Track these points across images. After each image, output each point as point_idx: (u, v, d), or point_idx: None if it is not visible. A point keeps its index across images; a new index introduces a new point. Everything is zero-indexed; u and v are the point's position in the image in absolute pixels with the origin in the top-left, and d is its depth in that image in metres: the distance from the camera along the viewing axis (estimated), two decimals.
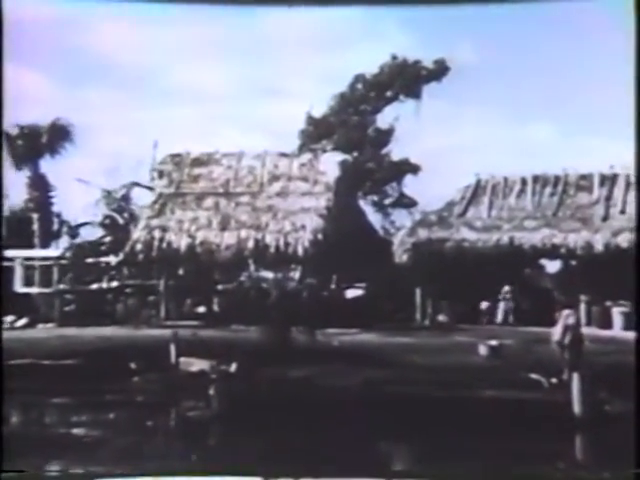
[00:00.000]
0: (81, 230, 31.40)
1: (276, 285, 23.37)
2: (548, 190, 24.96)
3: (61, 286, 25.35)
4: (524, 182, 25.29)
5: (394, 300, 23.54)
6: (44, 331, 22.52)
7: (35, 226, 30.32)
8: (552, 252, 23.84)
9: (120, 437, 12.98)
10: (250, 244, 23.67)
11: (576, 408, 12.79)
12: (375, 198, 31.32)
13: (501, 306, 23.68)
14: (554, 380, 14.99)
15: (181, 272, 25.48)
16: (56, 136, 31.10)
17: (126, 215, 30.08)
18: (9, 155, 30.51)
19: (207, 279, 25.23)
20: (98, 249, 27.48)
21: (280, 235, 23.69)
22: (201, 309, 24.57)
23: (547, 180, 25.19)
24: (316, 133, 30.70)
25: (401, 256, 24.45)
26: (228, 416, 13.94)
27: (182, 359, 17.24)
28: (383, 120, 31.12)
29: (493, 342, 18.12)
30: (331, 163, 25.62)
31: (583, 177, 24.93)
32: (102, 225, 30.68)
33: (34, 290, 25.48)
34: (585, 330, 16.75)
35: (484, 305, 23.61)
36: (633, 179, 22.92)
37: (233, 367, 16.77)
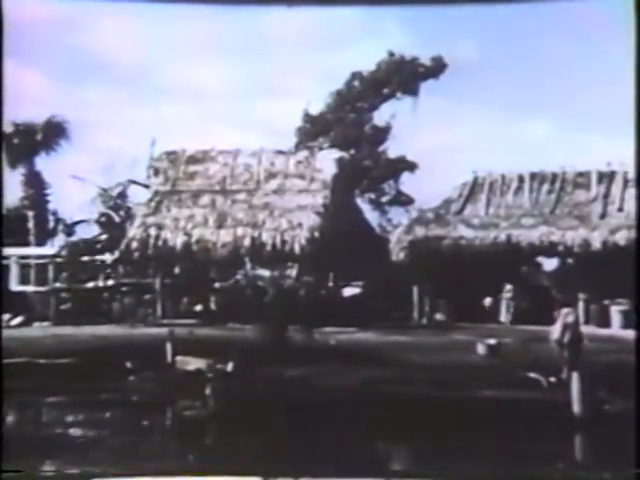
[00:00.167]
0: (77, 228, 31.29)
1: (273, 283, 23.27)
2: (545, 187, 24.91)
3: (57, 284, 25.24)
4: (521, 179, 25.23)
5: (391, 298, 23.48)
6: (39, 330, 22.42)
7: (30, 224, 30.17)
8: (550, 250, 23.79)
9: (116, 436, 12.89)
10: (246, 242, 23.60)
11: (575, 407, 12.72)
12: (372, 196, 31.26)
13: (504, 305, 23.62)
14: (553, 379, 14.92)
15: (177, 270, 25.38)
16: (51, 133, 30.97)
17: (122, 213, 29.96)
18: (4, 153, 30.35)
19: (203, 277, 25.14)
20: (94, 247, 27.37)
21: (277, 233, 23.61)
22: (197, 307, 24.48)
23: (544, 177, 25.14)
24: (313, 130, 30.63)
25: (398, 254, 24.38)
26: (224, 415, 13.84)
27: (178, 358, 17.16)
28: (380, 117, 31.10)
29: (491, 341, 18.06)
30: (328, 160, 25.55)
31: (581, 174, 24.88)
32: (98, 223, 30.56)
33: (29, 288, 25.36)
34: (583, 329, 16.65)
35: (487, 303, 23.55)
36: (631, 176, 22.89)
37: (230, 366, 16.68)
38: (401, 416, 13.00)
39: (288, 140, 29.53)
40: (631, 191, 22.79)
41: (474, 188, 25.50)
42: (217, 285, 25.07)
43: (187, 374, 16.56)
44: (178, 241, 23.90)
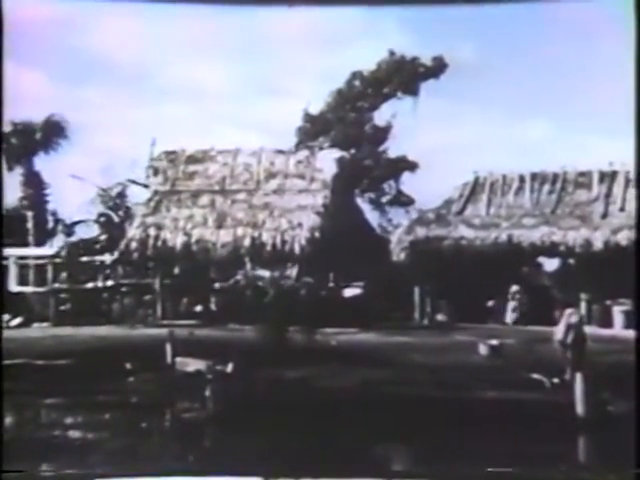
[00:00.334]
0: (76, 228, 31.20)
1: (273, 284, 23.17)
2: (547, 187, 24.83)
3: (56, 285, 25.14)
4: (522, 179, 25.16)
5: (392, 299, 23.38)
6: (39, 330, 22.34)
7: (29, 224, 30.07)
8: (551, 250, 23.71)
9: (115, 438, 12.77)
10: (246, 242, 23.51)
11: (579, 409, 12.61)
12: (372, 196, 31.19)
13: (510, 305, 23.52)
14: (556, 380, 14.82)
15: (177, 271, 25.28)
16: (50, 133, 30.87)
17: (121, 213, 29.87)
18: (3, 153, 30.25)
19: (203, 278, 25.05)
20: (93, 247, 27.29)
21: (277, 233, 23.52)
22: (197, 308, 24.38)
23: (545, 177, 25.06)
24: (313, 130, 30.55)
25: (399, 254, 24.31)
26: (224, 417, 13.74)
27: (178, 359, 17.05)
28: (380, 117, 31.03)
29: (493, 341, 17.95)
30: (328, 160, 25.46)
31: (582, 174, 24.80)
32: (97, 223, 30.48)
33: (29, 289, 25.27)
34: (586, 329, 16.52)
35: (490, 303, 23.47)
36: (632, 176, 22.79)
37: (230, 367, 16.58)
38: (402, 417, 12.91)
39: (288, 140, 29.49)
40: (633, 191, 22.69)
41: (475, 188, 25.43)
42: (217, 285, 24.97)
43: (187, 375, 16.46)
44: (178, 241, 23.81)
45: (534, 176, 25.10)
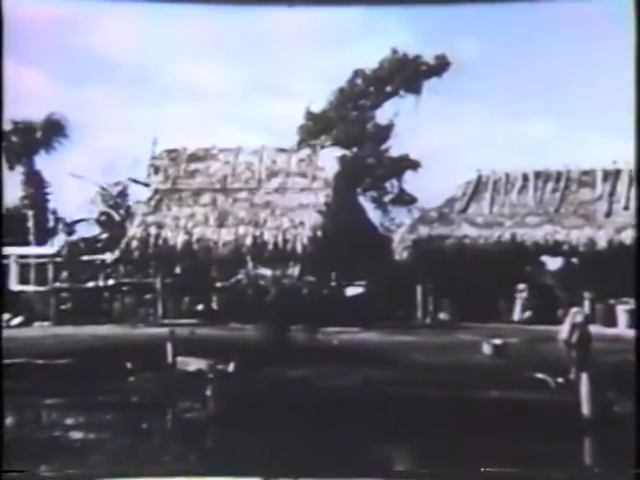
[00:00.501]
0: (77, 227, 31.14)
1: (275, 283, 23.06)
2: (550, 186, 24.73)
3: (57, 284, 25.06)
4: (526, 178, 25.06)
5: (394, 298, 23.27)
6: (40, 330, 22.25)
7: (30, 223, 29.98)
8: (555, 249, 23.61)
9: (115, 438, 12.68)
10: (248, 241, 23.40)
11: (585, 409, 12.47)
12: (374, 194, 31.09)
13: (518, 304, 23.39)
14: (560, 380, 14.69)
15: (178, 270, 25.19)
16: (50, 131, 30.77)
17: (122, 212, 29.80)
18: (3, 151, 30.18)
19: (204, 277, 24.96)
20: (94, 246, 27.21)
21: (278, 232, 23.40)
22: (199, 307, 24.30)
23: (549, 176, 24.96)
24: (315, 129, 30.45)
25: (401, 253, 24.22)
26: (226, 417, 13.64)
27: (179, 358, 16.95)
28: (383, 116, 30.94)
29: (497, 341, 17.82)
30: (330, 158, 25.33)
31: (585, 173, 24.70)
32: (98, 222, 30.42)
33: (29, 288, 25.20)
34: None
35: (496, 302, 23.34)
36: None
37: (231, 366, 16.48)
38: (405, 417, 12.81)
39: (290, 139, 29.41)
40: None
41: (478, 187, 25.34)
42: (218, 284, 24.88)
43: (188, 375, 16.36)
44: (179, 240, 23.70)
45: (537, 174, 25.00)
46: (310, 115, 30.77)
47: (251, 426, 12.51)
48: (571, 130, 34.34)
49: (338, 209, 24.45)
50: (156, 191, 25.20)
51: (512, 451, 11.22)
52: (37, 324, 23.35)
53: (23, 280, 25.49)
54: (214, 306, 24.32)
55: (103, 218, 30.29)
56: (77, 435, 12.97)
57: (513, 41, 30.13)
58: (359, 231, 25.34)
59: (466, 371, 15.86)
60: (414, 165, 30.65)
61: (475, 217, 24.56)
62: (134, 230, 24.15)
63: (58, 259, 25.85)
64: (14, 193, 31.09)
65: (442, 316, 23.42)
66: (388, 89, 30.53)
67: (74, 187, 30.76)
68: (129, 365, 16.64)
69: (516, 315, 23.20)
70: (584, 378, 12.66)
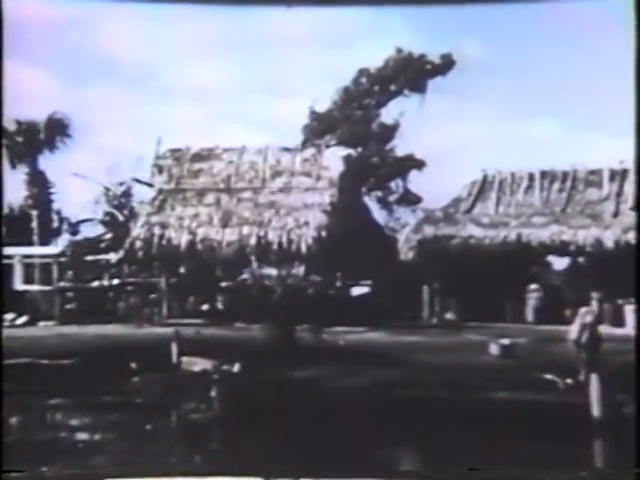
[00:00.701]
0: (81, 227, 31.10)
1: (280, 282, 22.96)
2: (556, 186, 24.61)
3: (61, 284, 25.01)
4: (532, 178, 24.94)
5: (400, 298, 23.16)
6: (44, 329, 22.19)
7: (34, 223, 29.93)
8: (561, 249, 23.48)
9: (119, 439, 12.59)
10: (252, 241, 23.27)
11: (595, 410, 12.33)
12: (379, 194, 30.99)
13: (529, 304, 23.24)
14: (569, 381, 14.56)
15: (183, 269, 25.10)
16: (54, 131, 30.71)
17: (126, 212, 29.74)
18: (7, 151, 30.14)
19: (209, 276, 24.87)
20: (98, 246, 27.17)
21: (283, 232, 23.28)
22: (204, 307, 24.22)
23: (555, 176, 24.83)
24: (319, 128, 30.35)
25: (407, 253, 24.11)
26: (231, 418, 13.53)
27: (184, 358, 16.86)
28: (387, 115, 30.83)
29: (505, 341, 17.68)
30: (335, 158, 25.18)
31: (592, 172, 24.58)
32: (102, 222, 30.37)
33: (34, 288, 25.16)
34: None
35: (504, 302, 23.22)
36: None
37: (236, 367, 16.38)
38: (412, 418, 12.70)
39: (294, 139, 29.31)
40: None
41: (484, 186, 25.22)
42: (223, 284, 24.80)
43: (193, 375, 16.26)
44: (183, 240, 23.60)
45: (544, 174, 24.88)
46: (314, 114, 30.67)
47: (256, 427, 12.40)
48: (577, 130, 34.29)
49: (343, 209, 24.32)
50: (160, 191, 25.09)
51: (520, 453, 11.11)
52: (42, 324, 23.30)
53: (28, 280, 25.45)
54: (219, 306, 24.23)
55: (107, 218, 30.24)
56: (81, 435, 12.89)
57: (518, 41, 30.07)
58: (364, 231, 25.21)
59: (473, 372, 15.74)
60: (419, 165, 30.53)
61: (481, 217, 24.45)
62: (138, 230, 24.06)
63: (62, 259, 25.80)
64: (18, 193, 31.09)
65: (448, 316, 23.30)
66: (393, 88, 30.41)
67: (78, 187, 30.73)
68: (134, 365, 16.55)
69: (528, 315, 23.03)
70: (594, 379, 12.52)
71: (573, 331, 15.07)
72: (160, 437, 13.11)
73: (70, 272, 25.48)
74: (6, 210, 30.76)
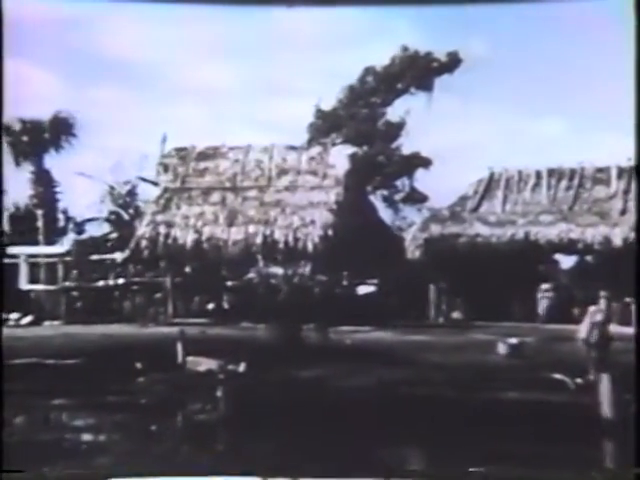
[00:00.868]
0: (87, 226, 31.08)
1: (286, 281, 22.86)
2: (564, 184, 24.47)
3: (67, 283, 24.97)
4: (539, 176, 24.81)
5: (407, 297, 23.05)
6: (49, 329, 22.15)
7: (39, 222, 29.90)
8: (569, 247, 23.34)
9: (124, 439, 12.50)
10: (258, 240, 23.17)
11: (605, 410, 12.18)
12: (385, 193, 30.89)
13: (542, 304, 23.09)
14: (579, 380, 14.41)
15: (188, 269, 25.02)
16: (59, 130, 30.67)
17: (131, 211, 29.70)
18: (12, 150, 30.14)
19: (215, 275, 24.79)
20: (104, 245, 27.12)
21: (289, 230, 23.18)
22: (209, 306, 24.14)
23: (563, 173, 24.70)
24: (325, 126, 30.26)
25: (413, 252, 24.01)
26: (236, 418, 13.43)
27: (189, 358, 16.76)
28: (394, 113, 30.72)
29: (513, 340, 17.54)
30: (341, 156, 25.05)
31: (600, 170, 24.43)
32: (108, 221, 30.35)
33: (39, 287, 25.13)
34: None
35: (513, 301, 23.08)
36: None
37: (242, 367, 16.28)
38: (419, 418, 12.58)
39: (300, 138, 29.23)
40: None
41: (490, 184, 25.11)
42: (229, 283, 24.71)
43: (198, 375, 16.17)
44: (188, 239, 23.51)
45: (551, 172, 24.75)
46: (320, 113, 30.58)
47: (262, 427, 12.31)
48: (584, 127, 34.09)
49: (349, 207, 24.22)
50: (165, 190, 25.01)
51: (528, 453, 10.98)
52: (47, 323, 23.27)
53: (33, 279, 25.42)
54: (225, 305, 24.16)
55: (112, 217, 30.22)
56: (86, 436, 12.81)
57: (525, 39, 29.94)
58: (370, 229, 25.10)
59: (481, 371, 15.62)
60: (425, 163, 30.42)
61: (488, 215, 24.33)
62: (143, 229, 23.99)
63: (68, 258, 25.75)
64: (23, 192, 31.08)
65: (455, 315, 23.19)
66: (399, 86, 30.30)
67: (83, 186, 30.71)
68: (139, 365, 16.45)
69: (541, 315, 22.86)
70: (604, 379, 12.38)
71: (583, 330, 14.94)
72: (165, 437, 13.01)
73: (75, 271, 25.43)
74: (11, 209, 30.81)
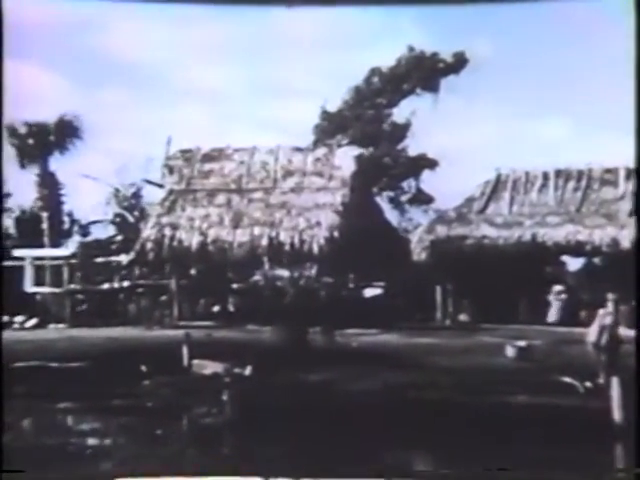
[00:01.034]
0: (92, 229, 31.05)
1: (292, 284, 22.75)
2: (571, 185, 24.33)
3: (72, 286, 24.90)
4: (546, 177, 24.68)
5: (413, 299, 22.93)
6: (54, 332, 22.09)
7: (44, 225, 29.88)
8: (576, 249, 23.18)
9: (129, 442, 12.41)
10: (264, 242, 23.05)
11: (616, 414, 12.04)
12: (391, 194, 30.78)
13: (554, 306, 22.94)
14: (589, 384, 14.25)
15: (193, 271, 24.93)
16: (64, 133, 30.63)
17: (136, 213, 29.64)
18: (18, 153, 30.13)
19: (220, 278, 24.70)
20: (109, 248, 27.05)
21: (295, 232, 23.05)
22: (215, 309, 24.05)
23: (570, 174, 24.56)
24: (331, 128, 30.17)
25: (420, 254, 23.89)
26: (242, 421, 13.33)
27: (195, 361, 16.66)
28: (400, 114, 30.62)
29: (521, 343, 17.39)
30: (347, 157, 24.91)
31: (608, 171, 24.28)
32: (113, 223, 30.30)
33: (45, 290, 25.09)
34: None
35: (520, 304, 22.95)
36: None
37: (248, 370, 16.17)
38: (426, 421, 12.47)
39: (306, 139, 29.14)
40: None
41: (497, 186, 24.98)
42: (235, 286, 24.62)
43: (204, 378, 16.07)
44: (193, 241, 23.40)
45: (558, 173, 24.61)
46: (325, 114, 30.49)
47: (268, 431, 12.21)
48: (592, 128, 33.91)
49: (355, 209, 24.08)
50: (170, 192, 24.91)
51: (538, 457, 10.86)
52: (52, 326, 23.20)
53: (38, 282, 25.38)
54: (230, 308, 24.07)
55: (117, 219, 30.16)
56: (91, 439, 12.72)
57: (531, 40, 29.84)
58: (376, 231, 24.95)
59: (489, 374, 15.48)
60: (431, 164, 30.31)
61: (494, 217, 24.21)
62: (148, 231, 23.89)
63: (73, 261, 25.70)
64: (29, 195, 31.06)
65: (462, 318, 23.06)
66: (405, 87, 30.20)
67: (88, 188, 30.68)
68: (144, 368, 16.36)
69: (554, 317, 22.68)
70: (615, 382, 12.22)
71: (592, 333, 14.79)
72: (171, 441, 12.92)
73: (80, 274, 25.38)
74: (17, 212, 30.82)
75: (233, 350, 16.98)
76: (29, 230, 29.40)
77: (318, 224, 23.12)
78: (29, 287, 25.23)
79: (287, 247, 22.85)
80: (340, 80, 30.88)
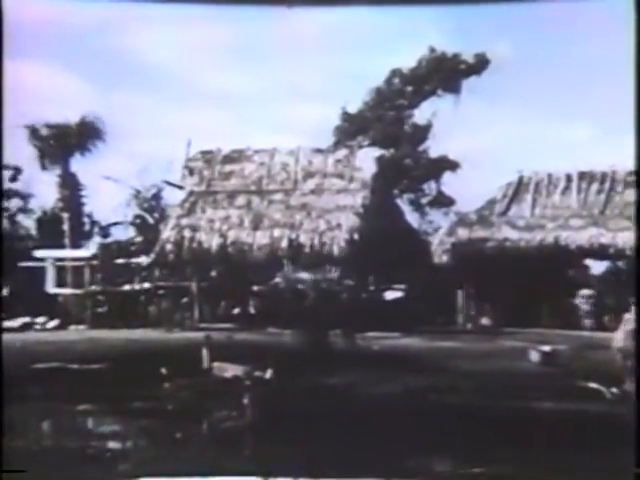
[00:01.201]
0: (112, 230, 31.16)
1: (313, 286, 22.65)
2: (594, 187, 24.09)
3: (93, 287, 24.97)
4: (569, 179, 24.44)
5: (435, 302, 22.76)
6: (75, 333, 22.12)
7: (65, 226, 30.02)
8: (600, 252, 22.92)
9: (149, 445, 12.33)
10: (284, 244, 23.00)
11: None
12: (412, 196, 30.61)
13: (582, 310, 22.68)
14: (615, 390, 14.00)
15: (214, 273, 24.92)
16: (86, 134, 30.78)
17: (156, 215, 29.70)
18: (39, 154, 30.31)
19: (241, 280, 24.65)
20: (129, 249, 27.12)
21: (315, 234, 22.98)
22: (236, 311, 24.00)
23: (593, 177, 24.33)
24: (351, 129, 30.06)
25: (441, 256, 23.74)
26: (263, 425, 13.22)
27: (215, 364, 16.57)
28: (421, 115, 30.46)
29: (546, 347, 17.15)
30: (368, 159, 24.81)
31: (631, 173, 23.91)
32: (133, 225, 30.39)
33: (66, 291, 25.19)
34: None
35: (543, 308, 22.70)
36: None
37: (268, 373, 16.06)
38: (448, 427, 12.27)
39: (326, 141, 29.08)
40: None
41: (519, 188, 24.79)
42: (255, 288, 24.56)
43: (224, 381, 15.98)
44: (213, 243, 23.40)
45: (582, 175, 24.39)
46: (346, 115, 30.40)
47: (289, 434, 12.09)
48: (615, 130, 33.50)
49: (376, 211, 23.97)
50: (191, 193, 24.94)
51: (564, 462, 10.65)
52: (72, 327, 23.27)
53: (60, 283, 25.49)
54: (251, 310, 24.01)
55: (138, 221, 30.23)
56: (110, 442, 12.66)
57: (553, 40, 29.58)
58: (397, 233, 24.84)
59: (512, 379, 15.28)
60: (453, 166, 30.12)
61: (516, 219, 24.02)
62: (168, 233, 23.92)
63: (94, 262, 25.78)
64: (50, 196, 31.23)
65: (484, 321, 22.87)
66: (426, 88, 30.04)
67: (109, 190, 30.80)
68: (164, 371, 16.30)
69: (582, 322, 22.41)
70: None
71: (618, 338, 14.52)
72: (191, 444, 12.84)
73: (101, 275, 25.45)
74: (38, 213, 31.03)
75: (254, 353, 16.90)
76: (50, 231, 29.56)
77: (338, 226, 23.03)
78: (51, 288, 25.34)
79: (307, 249, 22.78)
80: (361, 81, 30.81)
